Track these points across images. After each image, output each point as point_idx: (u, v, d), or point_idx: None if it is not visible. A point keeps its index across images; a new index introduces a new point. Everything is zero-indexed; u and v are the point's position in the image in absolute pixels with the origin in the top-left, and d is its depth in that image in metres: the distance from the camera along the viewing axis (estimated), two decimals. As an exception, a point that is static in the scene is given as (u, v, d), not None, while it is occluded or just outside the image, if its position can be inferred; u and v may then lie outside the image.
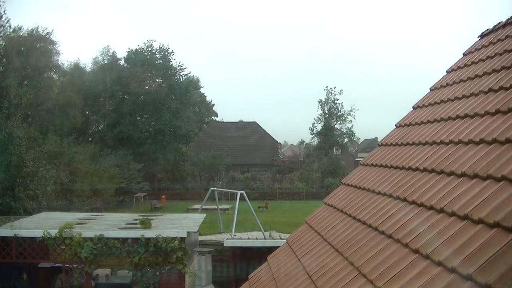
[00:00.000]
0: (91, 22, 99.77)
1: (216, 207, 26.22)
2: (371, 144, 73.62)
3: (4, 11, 31.11)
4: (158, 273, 14.45)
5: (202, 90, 67.59)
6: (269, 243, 16.25)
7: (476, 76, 4.53)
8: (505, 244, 2.21)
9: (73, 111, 38.70)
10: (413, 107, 5.50)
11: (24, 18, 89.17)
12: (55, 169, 27.71)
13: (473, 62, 4.98)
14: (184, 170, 49.04)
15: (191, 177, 49.00)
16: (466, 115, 3.95)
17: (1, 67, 31.88)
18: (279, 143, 64.82)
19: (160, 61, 49.08)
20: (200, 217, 18.44)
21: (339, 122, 60.36)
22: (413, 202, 3.45)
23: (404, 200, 3.61)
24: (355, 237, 3.88)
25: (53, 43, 37.53)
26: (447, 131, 4.00)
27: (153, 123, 46.83)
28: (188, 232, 14.63)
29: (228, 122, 64.35)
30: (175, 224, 16.01)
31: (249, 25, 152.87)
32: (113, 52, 48.74)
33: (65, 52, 78.35)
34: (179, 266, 14.22)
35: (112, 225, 15.89)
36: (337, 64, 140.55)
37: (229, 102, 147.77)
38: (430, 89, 5.53)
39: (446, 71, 5.56)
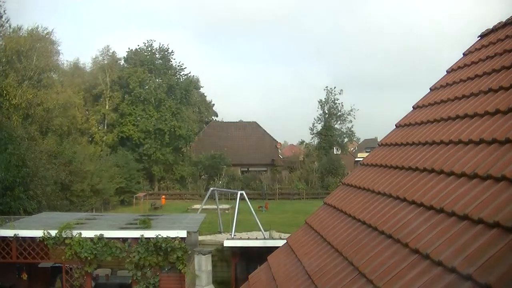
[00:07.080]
0: (91, 22, 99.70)
1: (216, 207, 26.21)
2: (371, 144, 73.65)
3: (4, 11, 31.22)
4: (158, 273, 14.46)
5: (202, 90, 67.57)
6: (269, 243, 16.23)
7: (476, 76, 4.52)
8: (505, 244, 2.21)
9: (73, 111, 38.71)
10: (413, 107, 5.49)
11: (24, 18, 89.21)
12: (55, 169, 27.74)
13: (473, 62, 4.97)
14: (184, 170, 49.02)
15: (191, 177, 48.97)
16: (466, 115, 3.95)
17: (1, 67, 31.91)
18: (279, 143, 64.73)
19: (160, 61, 49.11)
20: (200, 217, 18.47)
21: (339, 122, 60.29)
22: (413, 202, 3.45)
23: (404, 200, 3.61)
24: (355, 237, 3.87)
25: (53, 43, 37.54)
26: (447, 131, 3.99)
27: (153, 123, 46.82)
28: (188, 232, 14.64)
29: (228, 122, 64.25)
30: (175, 224, 16.02)
31: (249, 24, 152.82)
32: (113, 52, 48.81)
33: (65, 52, 78.19)
34: (179, 266, 14.23)
35: (112, 225, 15.90)
36: (337, 62, 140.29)
37: (229, 102, 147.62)
38: (430, 89, 5.52)
39: (446, 71, 5.55)
